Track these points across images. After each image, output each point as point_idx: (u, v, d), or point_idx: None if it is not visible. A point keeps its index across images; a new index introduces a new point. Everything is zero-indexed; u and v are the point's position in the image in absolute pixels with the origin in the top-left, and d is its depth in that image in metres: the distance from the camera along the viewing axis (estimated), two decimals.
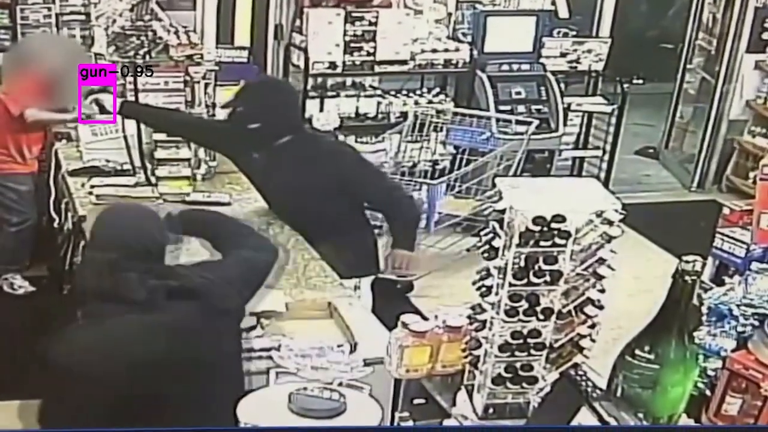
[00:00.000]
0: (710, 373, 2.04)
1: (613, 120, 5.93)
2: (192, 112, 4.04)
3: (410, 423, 1.95)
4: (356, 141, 5.44)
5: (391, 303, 3.50)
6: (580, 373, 1.77)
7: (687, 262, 1.72)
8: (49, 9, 4.83)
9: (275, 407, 1.83)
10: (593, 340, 1.82)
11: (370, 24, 5.25)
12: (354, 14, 5.22)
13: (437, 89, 5.73)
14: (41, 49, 4.27)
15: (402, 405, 1.96)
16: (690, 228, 4.80)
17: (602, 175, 5.96)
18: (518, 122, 5.24)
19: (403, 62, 5.39)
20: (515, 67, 5.67)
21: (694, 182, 6.80)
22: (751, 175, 6.29)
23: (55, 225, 4.16)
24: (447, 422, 1.92)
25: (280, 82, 4.23)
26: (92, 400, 1.84)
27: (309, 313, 2.80)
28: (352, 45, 5.26)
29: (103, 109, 3.74)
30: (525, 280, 1.72)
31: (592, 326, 1.81)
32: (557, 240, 1.70)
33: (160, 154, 3.87)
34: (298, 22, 5.32)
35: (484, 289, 1.80)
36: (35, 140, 4.34)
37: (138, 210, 2.36)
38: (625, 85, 6.02)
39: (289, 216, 3.38)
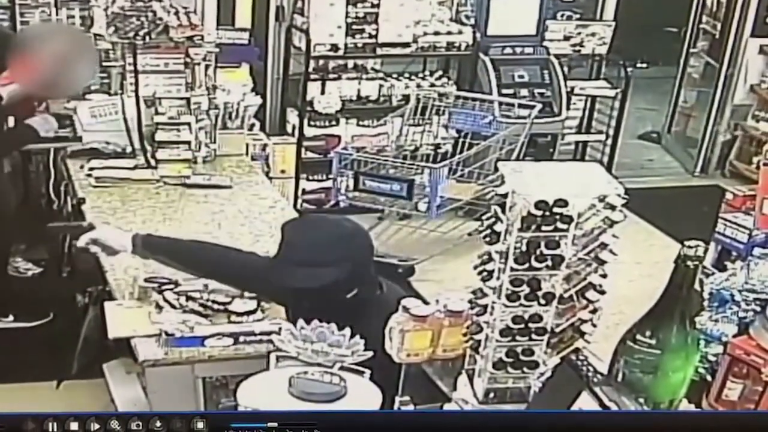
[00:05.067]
0: (711, 358, 2.03)
1: (617, 104, 5.91)
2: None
3: (411, 407, 1.95)
4: (358, 124, 5.43)
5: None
6: (581, 357, 1.77)
7: (689, 247, 1.71)
8: None
9: (275, 391, 1.83)
10: (594, 325, 1.82)
11: (373, 6, 5.22)
12: None
13: (440, 72, 5.70)
14: (46, 36, 4.24)
15: (402, 389, 1.96)
16: (692, 213, 4.79)
17: (605, 159, 5.94)
18: (521, 106, 5.21)
19: (406, 45, 5.36)
20: (518, 50, 5.64)
21: (698, 167, 6.78)
22: (755, 160, 6.26)
23: (55, 207, 4.16)
24: (447, 406, 1.92)
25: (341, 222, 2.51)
26: None
27: None
28: (354, 27, 5.23)
29: (111, 250, 2.83)
30: (527, 265, 1.71)
31: (594, 311, 1.80)
32: (559, 224, 1.69)
33: (160, 136, 3.86)
34: (299, 4, 5.29)
35: (485, 273, 1.79)
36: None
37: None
38: (629, 69, 5.99)
39: None
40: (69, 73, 4.03)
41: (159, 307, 2.67)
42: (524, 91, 5.53)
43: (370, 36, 5.26)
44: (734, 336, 2.04)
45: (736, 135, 6.60)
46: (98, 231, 2.89)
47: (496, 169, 1.76)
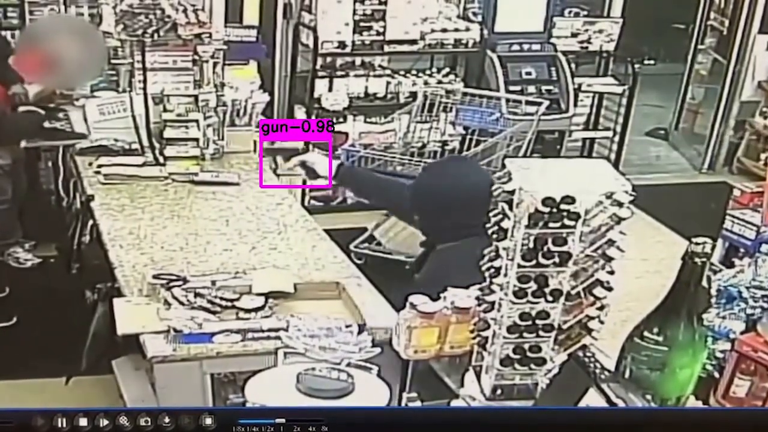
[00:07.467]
0: (719, 355, 2.03)
1: (624, 101, 5.90)
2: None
3: (418, 404, 1.95)
4: (365, 121, 5.43)
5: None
6: (589, 354, 1.77)
7: (697, 243, 1.71)
8: None
9: (283, 387, 1.83)
10: (602, 322, 1.82)
11: (380, 3, 5.22)
12: None
13: (447, 69, 5.71)
14: (58, 28, 4.26)
15: (410, 386, 1.96)
16: (700, 210, 4.78)
17: (612, 156, 5.94)
18: (528, 103, 5.21)
19: (413, 42, 5.37)
20: (526, 47, 5.64)
21: (705, 164, 6.76)
22: (763, 156, 6.27)
23: (64, 204, 4.17)
24: (455, 403, 1.92)
25: (460, 174, 2.75)
26: None
27: (317, 294, 2.80)
28: (362, 24, 5.23)
29: (313, 174, 3.09)
30: (534, 262, 1.71)
31: (601, 308, 1.80)
32: (566, 221, 1.69)
33: (168, 133, 3.86)
34: (307, 1, 5.30)
35: (492, 270, 1.79)
36: None
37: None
38: (636, 66, 5.98)
39: None
40: (79, 61, 4.04)
41: (167, 304, 2.68)
42: (531, 88, 5.53)
43: (378, 33, 5.27)
44: (741, 333, 2.04)
45: (744, 131, 6.59)
46: (308, 154, 3.26)
47: (504, 166, 1.76)
